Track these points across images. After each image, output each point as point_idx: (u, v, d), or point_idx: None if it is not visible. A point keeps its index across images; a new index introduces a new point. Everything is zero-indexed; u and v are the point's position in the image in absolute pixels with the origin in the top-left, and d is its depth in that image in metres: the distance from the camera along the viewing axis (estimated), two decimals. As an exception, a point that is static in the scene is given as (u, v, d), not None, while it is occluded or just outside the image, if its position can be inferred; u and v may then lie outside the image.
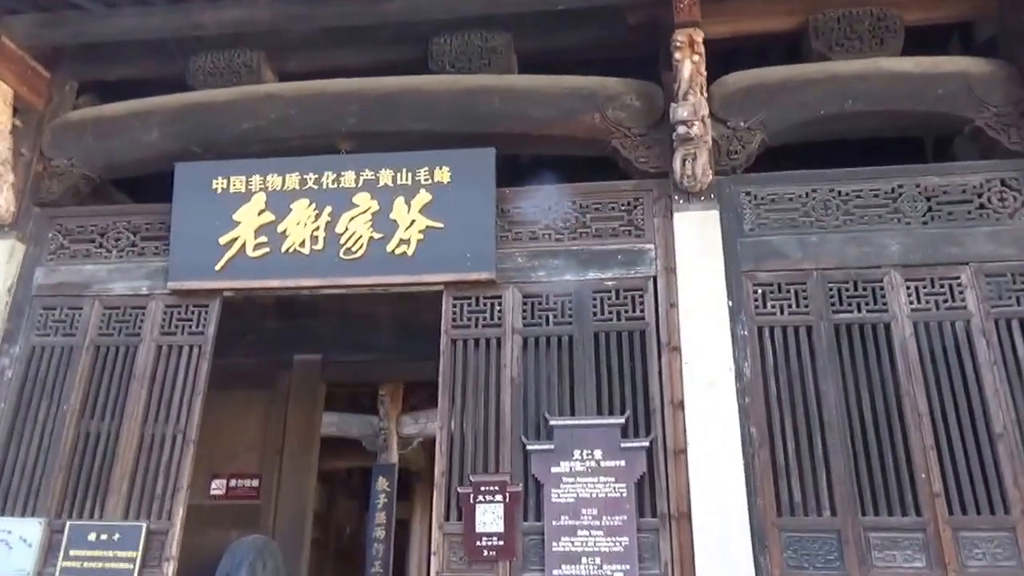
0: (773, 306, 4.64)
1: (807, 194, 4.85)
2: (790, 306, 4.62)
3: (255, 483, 6.99)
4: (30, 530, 4.72)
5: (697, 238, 4.75)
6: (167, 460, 4.82)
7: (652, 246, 4.87)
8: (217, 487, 6.83)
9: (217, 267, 5.07)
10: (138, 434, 4.89)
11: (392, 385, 9.80)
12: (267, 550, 5.53)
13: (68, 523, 4.71)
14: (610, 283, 4.83)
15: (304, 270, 5.02)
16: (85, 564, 4.62)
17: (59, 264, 5.43)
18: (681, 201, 4.84)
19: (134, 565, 4.56)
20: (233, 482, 7.01)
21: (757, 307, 4.64)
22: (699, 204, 4.82)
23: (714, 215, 4.79)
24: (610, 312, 4.77)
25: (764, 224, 4.82)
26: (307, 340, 7.28)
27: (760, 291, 4.67)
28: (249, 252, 5.07)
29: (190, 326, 5.12)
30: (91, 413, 5.01)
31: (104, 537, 4.66)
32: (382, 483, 9.35)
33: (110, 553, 4.62)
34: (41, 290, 5.36)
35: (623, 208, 5.00)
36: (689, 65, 4.72)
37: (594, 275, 4.86)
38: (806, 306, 4.61)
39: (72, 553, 4.65)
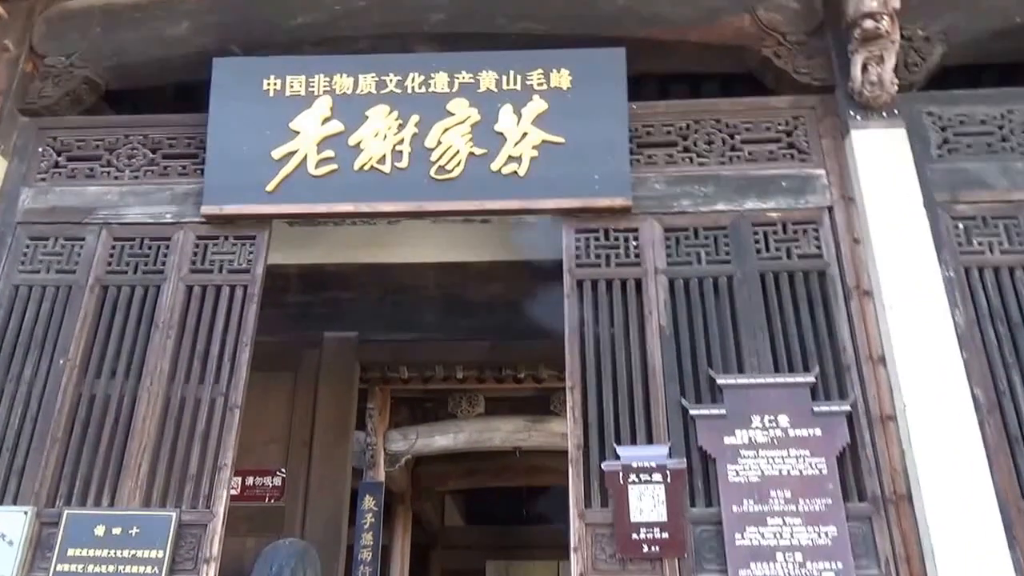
0: (980, 243, 3.76)
1: (1002, 115, 4.02)
2: (1000, 243, 3.75)
3: (278, 481, 5.77)
4: (12, 523, 3.47)
5: (882, 161, 3.87)
6: (204, 431, 3.67)
7: (823, 171, 3.97)
8: (231, 486, 5.57)
9: (268, 188, 3.98)
10: (163, 397, 3.72)
11: (381, 398, 8.82)
12: (307, 557, 4.31)
13: (65, 513, 3.49)
14: (774, 214, 3.90)
15: (383, 192, 3.95)
16: (90, 567, 3.40)
17: (53, 185, 4.24)
18: (858, 118, 3.96)
19: (160, 568, 3.37)
20: (251, 480, 5.76)
21: (960, 244, 3.76)
22: (881, 121, 3.94)
23: (901, 133, 3.91)
24: (777, 249, 3.84)
25: (955, 149, 3.96)
26: (339, 316, 6.09)
27: (962, 226, 3.80)
28: (311, 170, 3.99)
29: (231, 262, 3.99)
30: (97, 370, 3.81)
31: (117, 531, 3.45)
32: (369, 502, 8.39)
33: (126, 552, 3.41)
34: (28, 215, 4.16)
35: (780, 128, 4.10)
36: (875, -53, 3.85)
37: (753, 205, 3.92)
38: (1021, 243, 3.75)
39: (71, 552, 3.42)
